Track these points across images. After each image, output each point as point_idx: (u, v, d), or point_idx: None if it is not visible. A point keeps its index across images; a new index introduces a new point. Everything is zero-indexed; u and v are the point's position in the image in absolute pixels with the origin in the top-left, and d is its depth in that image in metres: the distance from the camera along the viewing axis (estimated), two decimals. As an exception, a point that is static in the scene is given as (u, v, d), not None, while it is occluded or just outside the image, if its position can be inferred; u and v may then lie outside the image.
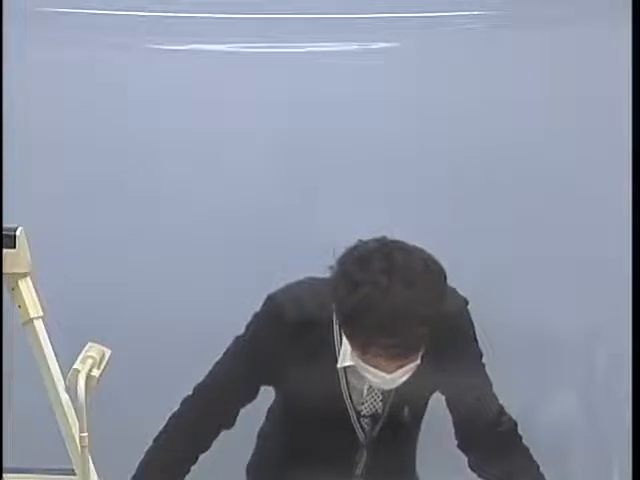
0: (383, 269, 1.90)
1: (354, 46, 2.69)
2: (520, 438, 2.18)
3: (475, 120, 2.66)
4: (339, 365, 2.09)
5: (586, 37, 2.58)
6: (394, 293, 1.87)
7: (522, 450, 2.16)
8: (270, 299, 2.14)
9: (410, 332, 1.90)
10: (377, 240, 1.97)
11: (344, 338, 2.03)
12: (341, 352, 2.07)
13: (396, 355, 1.94)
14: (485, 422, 2.14)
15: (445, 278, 1.96)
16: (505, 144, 2.67)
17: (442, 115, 2.66)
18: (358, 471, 2.22)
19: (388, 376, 1.97)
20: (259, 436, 2.37)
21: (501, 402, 2.18)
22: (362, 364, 1.99)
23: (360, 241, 1.98)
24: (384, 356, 1.94)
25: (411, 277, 1.90)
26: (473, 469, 2.17)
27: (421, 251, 1.96)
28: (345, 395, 2.13)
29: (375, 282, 1.89)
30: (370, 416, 2.15)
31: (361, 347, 1.96)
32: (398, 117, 2.65)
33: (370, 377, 2.00)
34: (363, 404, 2.15)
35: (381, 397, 2.14)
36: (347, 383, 2.12)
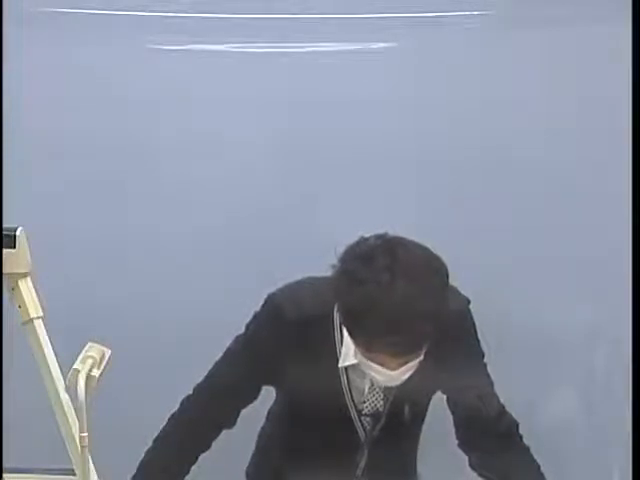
0: (386, 266, 1.89)
1: (354, 46, 2.69)
2: (521, 438, 2.17)
3: (475, 120, 2.66)
4: (340, 364, 2.08)
5: (586, 37, 2.58)
6: (397, 290, 1.87)
7: (523, 450, 2.16)
8: (270, 298, 2.14)
9: (415, 329, 1.90)
10: (378, 237, 1.97)
11: (345, 337, 2.03)
12: (342, 351, 2.07)
13: (401, 352, 1.94)
14: (486, 421, 2.14)
15: (447, 273, 1.96)
16: (505, 144, 2.67)
17: (442, 115, 2.66)
18: (359, 471, 2.22)
19: (393, 373, 1.97)
20: (259, 437, 2.37)
21: (501, 402, 2.18)
22: (366, 361, 1.98)
23: (362, 237, 1.98)
24: (389, 353, 1.94)
25: (414, 273, 1.89)
26: (474, 468, 2.17)
27: (422, 247, 1.96)
28: (346, 394, 2.12)
29: (378, 279, 1.88)
30: (371, 415, 2.15)
31: (365, 345, 1.96)
32: (398, 117, 2.65)
33: (374, 374, 2.00)
34: (364, 403, 2.15)
35: (382, 396, 2.13)
36: (348, 382, 2.12)
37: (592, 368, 2.71)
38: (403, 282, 1.88)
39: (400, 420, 2.15)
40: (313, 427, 2.14)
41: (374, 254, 1.92)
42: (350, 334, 1.99)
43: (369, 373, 2.01)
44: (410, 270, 1.89)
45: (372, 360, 1.97)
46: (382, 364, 1.96)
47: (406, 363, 1.96)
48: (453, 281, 2.01)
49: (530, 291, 2.65)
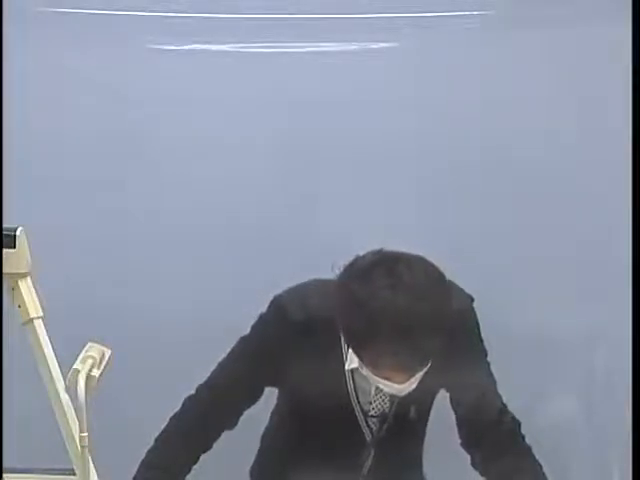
0: (385, 285, 1.88)
1: (354, 46, 2.69)
2: (523, 437, 2.18)
3: (475, 120, 2.66)
4: (347, 367, 2.08)
5: (586, 37, 2.57)
6: (400, 309, 1.86)
7: (525, 449, 2.16)
8: (276, 300, 2.13)
9: (419, 346, 1.90)
10: (375, 253, 1.96)
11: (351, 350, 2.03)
12: (349, 354, 2.06)
13: (407, 368, 1.94)
14: (488, 420, 2.14)
15: (445, 284, 1.95)
16: (505, 144, 2.67)
17: (442, 115, 2.66)
18: (365, 470, 2.22)
19: (399, 386, 1.97)
20: (263, 437, 2.37)
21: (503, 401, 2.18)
22: (372, 376, 1.98)
23: (358, 256, 1.96)
24: (395, 370, 1.94)
25: (415, 290, 1.89)
26: (476, 468, 2.17)
27: (421, 260, 1.95)
28: (352, 396, 2.12)
29: (379, 299, 1.87)
30: (378, 416, 2.15)
31: (371, 363, 1.96)
32: (398, 117, 2.65)
33: (381, 387, 2.00)
34: (371, 404, 2.14)
35: (389, 397, 2.13)
36: (354, 384, 2.11)
37: (592, 368, 2.71)
38: (404, 300, 1.87)
39: (406, 420, 2.15)
40: (318, 428, 2.14)
41: (373, 272, 1.91)
42: (355, 352, 1.99)
43: (375, 385, 2.01)
44: (410, 287, 1.89)
45: (378, 375, 1.97)
46: (389, 378, 1.96)
47: (412, 376, 1.96)
48: (454, 281, 2.01)
49: (530, 291, 2.65)
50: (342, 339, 2.06)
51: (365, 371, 1.99)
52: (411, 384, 1.98)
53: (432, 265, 1.95)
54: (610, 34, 2.46)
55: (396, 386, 1.97)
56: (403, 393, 2.01)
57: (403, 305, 1.86)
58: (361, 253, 1.99)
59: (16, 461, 1.89)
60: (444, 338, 1.91)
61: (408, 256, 1.95)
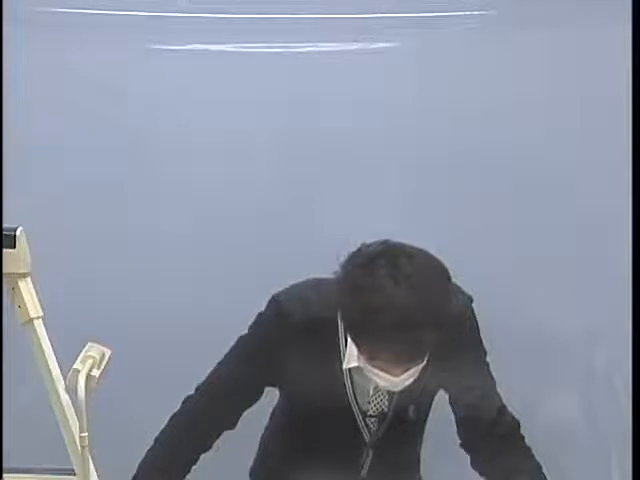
0: (388, 274, 1.88)
1: (354, 46, 2.69)
2: (522, 438, 2.17)
3: (475, 120, 2.66)
4: (345, 366, 2.07)
5: (586, 37, 2.58)
6: (400, 299, 1.86)
7: (524, 450, 2.16)
8: (274, 299, 2.13)
9: (418, 338, 1.89)
10: (381, 243, 1.96)
11: (349, 339, 2.03)
12: (347, 353, 2.06)
13: (404, 360, 1.94)
14: (488, 421, 2.14)
15: (449, 279, 1.95)
16: (505, 144, 2.67)
17: (442, 115, 2.66)
18: (364, 471, 2.22)
19: (396, 379, 1.97)
20: (263, 437, 2.36)
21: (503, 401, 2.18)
22: (370, 367, 1.98)
23: (363, 245, 1.97)
24: (392, 361, 1.93)
25: (416, 282, 1.88)
26: (475, 468, 2.17)
27: (425, 253, 1.95)
28: (350, 396, 2.12)
29: (380, 288, 1.87)
30: (376, 416, 2.15)
31: (368, 352, 1.96)
32: (398, 117, 2.65)
33: (377, 380, 1.99)
34: (369, 404, 2.14)
35: (387, 396, 2.12)
36: (352, 383, 2.11)
37: (592, 368, 2.71)
38: (406, 291, 1.86)
39: (405, 420, 2.15)
40: (317, 428, 2.13)
41: (376, 262, 1.91)
42: (353, 341, 1.99)
43: (372, 378, 2.01)
44: (412, 279, 1.88)
45: (375, 366, 1.96)
46: (385, 370, 1.95)
47: (409, 369, 1.96)
48: (454, 281, 2.00)
49: (530, 291, 2.65)
50: (340, 338, 2.06)
51: (362, 362, 1.99)
52: (407, 379, 1.97)
53: (436, 260, 1.95)
54: (610, 34, 2.46)
55: (392, 378, 1.96)
56: (398, 388, 2.00)
57: (401, 296, 1.86)
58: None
59: (16, 461, 1.89)
60: (442, 334, 1.91)
61: (412, 248, 1.95)
